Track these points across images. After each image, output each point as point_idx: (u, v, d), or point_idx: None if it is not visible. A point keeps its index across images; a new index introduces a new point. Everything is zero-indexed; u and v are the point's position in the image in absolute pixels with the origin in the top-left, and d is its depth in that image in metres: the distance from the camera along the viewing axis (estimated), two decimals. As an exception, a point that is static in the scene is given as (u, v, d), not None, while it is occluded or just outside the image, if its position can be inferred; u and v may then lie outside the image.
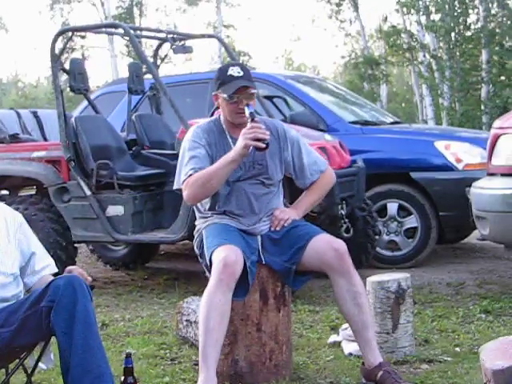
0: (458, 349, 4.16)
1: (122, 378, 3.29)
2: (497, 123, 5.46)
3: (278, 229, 3.70)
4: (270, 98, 7.35)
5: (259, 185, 3.73)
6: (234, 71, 3.67)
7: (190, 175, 3.59)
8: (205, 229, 3.73)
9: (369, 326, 3.61)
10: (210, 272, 3.53)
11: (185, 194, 3.64)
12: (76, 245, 6.47)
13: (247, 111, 3.56)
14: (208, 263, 3.56)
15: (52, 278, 3.15)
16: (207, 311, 3.41)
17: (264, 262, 3.65)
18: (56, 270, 3.26)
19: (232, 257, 3.40)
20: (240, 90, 3.61)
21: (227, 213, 3.70)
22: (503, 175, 5.19)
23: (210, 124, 3.78)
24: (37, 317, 2.87)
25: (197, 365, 3.95)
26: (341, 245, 3.60)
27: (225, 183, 3.65)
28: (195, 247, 3.82)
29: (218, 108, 3.88)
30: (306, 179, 3.85)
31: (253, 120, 3.50)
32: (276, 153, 3.76)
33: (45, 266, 3.22)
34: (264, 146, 3.47)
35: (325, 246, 3.58)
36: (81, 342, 2.82)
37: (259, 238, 3.71)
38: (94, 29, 6.97)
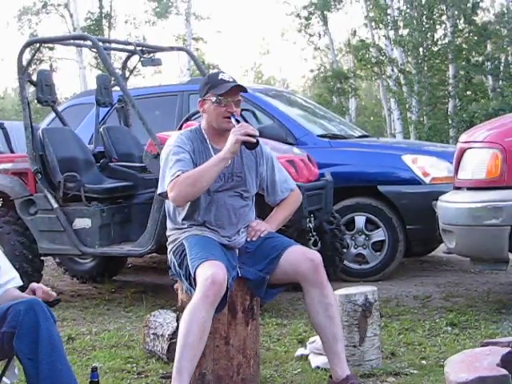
0: (424, 361, 4.18)
1: (88, 393, 3.26)
2: (463, 137, 5.52)
3: (254, 239, 3.72)
4: (238, 111, 7.34)
5: (238, 197, 3.75)
6: (225, 76, 3.73)
7: (178, 176, 3.57)
8: (186, 239, 3.65)
9: (339, 339, 3.62)
10: (189, 283, 3.51)
11: (172, 194, 3.58)
12: (42, 258, 6.41)
13: (233, 119, 3.61)
14: (192, 275, 3.50)
15: (17, 291, 3.12)
16: (189, 326, 3.37)
17: (240, 275, 3.63)
18: (21, 284, 3.22)
19: (220, 275, 3.37)
20: (233, 90, 3.65)
21: (206, 224, 3.69)
22: (469, 189, 5.24)
23: (192, 133, 3.78)
24: None
25: (164, 378, 3.94)
26: (316, 256, 3.63)
27: (205, 193, 3.65)
28: (171, 256, 3.72)
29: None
30: (277, 196, 3.90)
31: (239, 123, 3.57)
32: (253, 167, 3.81)
33: (9, 279, 3.19)
34: (255, 141, 3.51)
35: (300, 257, 3.60)
36: (47, 367, 2.79)
37: (237, 251, 3.72)
38: (62, 40, 6.94)
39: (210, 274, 3.36)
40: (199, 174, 3.55)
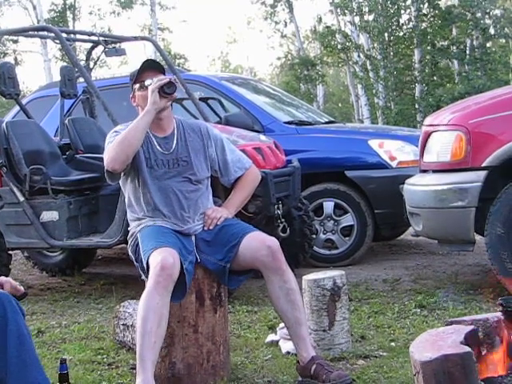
0: (393, 344, 4.22)
1: (58, 385, 3.25)
2: (427, 120, 5.56)
3: (211, 227, 3.73)
4: (204, 99, 7.35)
5: (186, 182, 3.76)
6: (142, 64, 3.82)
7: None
8: (139, 232, 3.72)
9: (302, 323, 3.64)
10: (146, 275, 3.52)
11: (105, 159, 3.68)
12: (10, 252, 6.36)
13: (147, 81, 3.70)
14: (145, 266, 3.54)
15: None
16: (145, 314, 3.39)
17: (199, 261, 3.65)
18: None
19: (169, 259, 3.39)
20: (145, 72, 3.75)
21: (158, 211, 3.71)
22: (435, 171, 5.29)
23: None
24: None
25: (134, 369, 3.92)
26: (273, 242, 3.62)
27: (153, 181, 3.68)
28: (130, 251, 3.81)
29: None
30: (231, 176, 3.92)
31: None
32: (200, 150, 3.83)
33: None
34: (168, 79, 3.63)
35: (258, 244, 3.60)
36: (15, 361, 2.77)
37: (193, 238, 3.72)
38: (24, 32, 6.87)
39: (160, 259, 3.39)
40: (127, 131, 3.63)
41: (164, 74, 3.82)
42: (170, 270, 3.38)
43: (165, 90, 3.63)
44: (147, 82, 3.71)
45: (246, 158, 4.04)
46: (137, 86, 3.78)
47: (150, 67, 3.80)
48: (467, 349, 2.33)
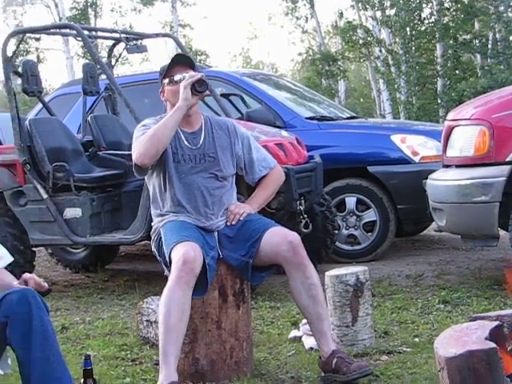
0: (417, 339, 4.20)
1: (82, 381, 3.27)
2: (450, 115, 5.53)
3: (233, 223, 3.72)
4: (226, 95, 7.35)
5: (212, 178, 3.76)
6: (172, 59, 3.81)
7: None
8: (162, 227, 3.73)
9: (323, 318, 3.64)
10: (169, 270, 3.53)
11: (134, 154, 3.65)
12: (34, 248, 6.41)
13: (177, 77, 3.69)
14: (168, 261, 3.55)
15: (6, 272, 3.11)
16: (167, 309, 3.40)
17: (221, 256, 3.65)
18: (11, 260, 3.22)
19: (191, 253, 3.40)
20: (175, 66, 3.74)
21: (181, 207, 3.71)
22: (458, 166, 5.26)
23: (159, 119, 3.80)
24: None
25: (158, 365, 3.93)
26: (295, 237, 3.62)
27: (178, 176, 3.68)
28: (153, 247, 3.83)
29: None
30: (256, 174, 3.90)
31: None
32: (227, 147, 3.83)
33: None
34: (199, 76, 3.62)
35: (279, 239, 3.60)
36: (39, 356, 2.79)
37: (216, 234, 3.72)
38: (47, 30, 6.89)
39: (182, 253, 3.39)
40: (157, 127, 3.62)
41: (194, 69, 3.81)
42: (192, 264, 3.39)
43: (196, 88, 3.63)
44: (177, 77, 3.71)
45: (271, 158, 4.04)
46: (166, 80, 3.77)
47: (180, 62, 3.79)
48: (492, 345, 2.32)
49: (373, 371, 3.54)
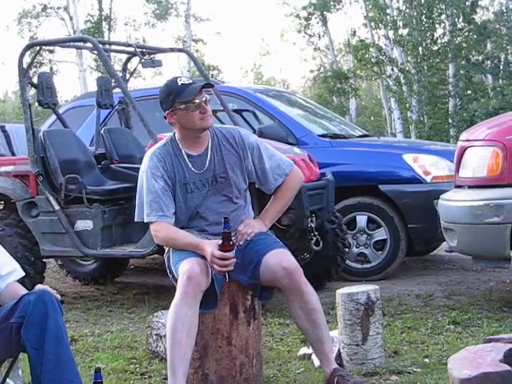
0: (427, 360, 4.18)
1: (92, 393, 3.26)
2: (463, 136, 5.53)
3: (241, 243, 3.65)
4: (239, 111, 7.36)
5: (227, 202, 3.71)
6: (184, 80, 3.66)
7: (157, 222, 3.64)
8: None
9: (324, 340, 3.62)
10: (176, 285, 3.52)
11: (154, 234, 3.68)
12: (45, 260, 6.41)
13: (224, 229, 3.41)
14: (176, 277, 3.55)
15: (19, 285, 3.12)
16: (174, 324, 3.39)
17: (227, 279, 3.57)
18: (23, 274, 3.24)
19: (196, 268, 3.39)
20: (201, 91, 3.60)
21: (193, 230, 3.69)
22: (470, 187, 5.25)
23: (166, 146, 3.73)
24: (6, 334, 2.85)
25: (166, 379, 3.93)
26: (290, 263, 3.54)
27: (192, 204, 3.67)
28: (165, 261, 3.82)
29: None
30: (270, 185, 3.80)
31: (225, 238, 3.41)
32: (236, 163, 3.74)
33: (11, 271, 3.19)
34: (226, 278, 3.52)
35: (275, 265, 3.53)
36: (52, 358, 2.80)
37: None
38: (63, 43, 6.94)
39: (186, 269, 3.39)
40: (174, 240, 3.61)
41: (211, 87, 3.76)
42: (198, 279, 3.38)
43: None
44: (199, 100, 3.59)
45: (285, 162, 3.85)
46: (183, 106, 3.59)
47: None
48: (507, 367, 2.31)
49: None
